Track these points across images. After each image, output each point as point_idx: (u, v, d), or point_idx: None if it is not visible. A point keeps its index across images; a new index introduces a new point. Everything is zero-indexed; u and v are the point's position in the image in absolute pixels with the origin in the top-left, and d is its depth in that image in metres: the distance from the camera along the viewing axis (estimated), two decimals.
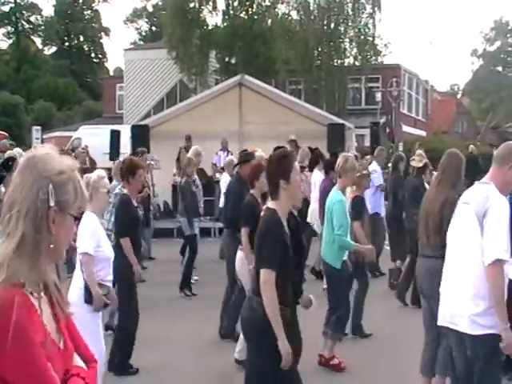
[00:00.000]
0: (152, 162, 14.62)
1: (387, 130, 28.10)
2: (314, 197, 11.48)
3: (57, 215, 2.11)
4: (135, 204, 7.60)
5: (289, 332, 4.22)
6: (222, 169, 16.70)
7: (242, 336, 6.84)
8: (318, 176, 11.90)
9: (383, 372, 7.03)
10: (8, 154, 12.74)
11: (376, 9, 35.21)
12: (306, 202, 12.16)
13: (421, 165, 10.45)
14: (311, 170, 12.55)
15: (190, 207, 11.02)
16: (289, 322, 4.28)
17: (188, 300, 10.47)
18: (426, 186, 14.81)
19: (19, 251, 2.05)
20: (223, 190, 13.66)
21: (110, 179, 8.55)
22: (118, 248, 6.67)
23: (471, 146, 23.36)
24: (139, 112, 38.88)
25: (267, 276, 4.23)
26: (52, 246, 2.12)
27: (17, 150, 12.90)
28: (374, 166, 12.14)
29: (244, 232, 7.10)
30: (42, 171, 2.11)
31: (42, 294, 2.13)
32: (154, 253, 13.85)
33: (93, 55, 69.05)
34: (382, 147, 14.45)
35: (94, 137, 23.24)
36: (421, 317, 5.92)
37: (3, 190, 7.37)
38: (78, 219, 2.23)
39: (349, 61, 35.93)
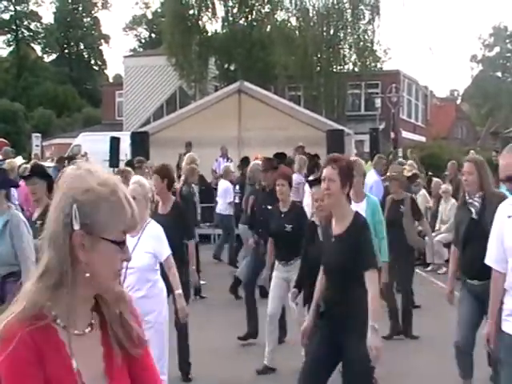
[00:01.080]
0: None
1: (392, 136, 28.04)
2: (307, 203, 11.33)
3: (85, 239, 1.83)
4: None
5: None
6: (221, 175, 16.75)
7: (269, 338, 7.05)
8: None
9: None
10: (8, 162, 12.77)
11: (375, 15, 35.26)
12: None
13: (409, 174, 10.46)
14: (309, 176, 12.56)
15: (192, 216, 10.98)
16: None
17: (195, 304, 10.45)
18: (425, 193, 14.83)
19: (43, 281, 1.83)
20: (220, 196, 13.73)
21: None
22: None
23: (472, 151, 23.35)
24: (139, 119, 38.91)
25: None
26: (87, 275, 1.85)
27: (18, 159, 12.94)
28: (373, 177, 11.70)
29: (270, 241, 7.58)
30: (66, 190, 1.86)
31: (88, 329, 1.92)
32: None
33: (92, 62, 69.16)
34: (380, 155, 14.33)
35: (93, 144, 23.26)
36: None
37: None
38: (119, 244, 1.89)
39: (348, 67, 35.98)
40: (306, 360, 4.99)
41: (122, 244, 1.90)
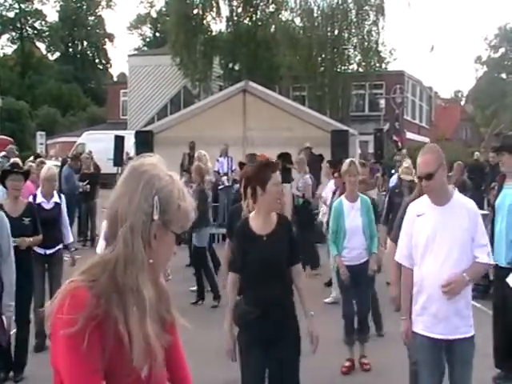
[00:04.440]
0: None
1: (394, 138, 28.00)
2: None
3: (159, 230, 2.02)
4: None
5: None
6: (226, 174, 16.75)
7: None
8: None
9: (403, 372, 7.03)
10: (13, 160, 12.81)
11: (380, 16, 35.23)
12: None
13: (410, 178, 10.45)
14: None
15: (201, 217, 10.92)
16: (250, 322, 4.61)
17: (201, 308, 10.45)
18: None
19: (123, 263, 1.97)
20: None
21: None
22: None
23: (477, 153, 23.31)
24: (143, 118, 38.98)
25: (229, 276, 4.77)
26: (151, 261, 2.02)
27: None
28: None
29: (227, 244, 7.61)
30: (149, 182, 2.02)
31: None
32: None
33: (97, 61, 69.25)
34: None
35: (98, 142, 23.35)
36: None
37: (5, 196, 7.35)
38: (179, 237, 2.10)
39: (352, 67, 36.04)
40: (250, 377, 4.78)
41: (180, 238, 2.12)
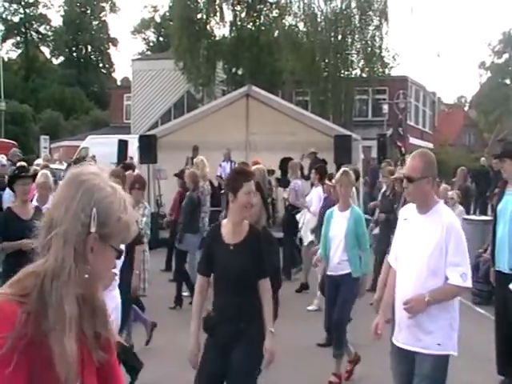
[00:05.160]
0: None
1: (398, 143, 27.97)
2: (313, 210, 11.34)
3: (96, 243, 1.90)
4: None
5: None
6: None
7: None
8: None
9: None
10: (19, 164, 12.82)
11: (383, 21, 35.20)
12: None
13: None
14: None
15: (186, 223, 11.07)
16: (212, 326, 4.69)
17: (180, 311, 10.41)
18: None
19: (51, 274, 1.85)
20: None
21: None
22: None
23: (483, 158, 23.26)
24: (146, 122, 39.01)
25: (197, 279, 4.88)
26: (87, 276, 1.90)
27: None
28: None
29: None
30: (88, 191, 1.91)
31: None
32: (159, 263, 13.63)
33: (100, 65, 69.34)
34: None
35: (101, 146, 23.31)
36: None
37: (13, 199, 7.37)
38: (118, 253, 1.99)
39: (356, 72, 35.97)
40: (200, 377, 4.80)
41: (119, 253, 2.00)
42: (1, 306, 1.80)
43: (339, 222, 7.22)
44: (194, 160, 12.90)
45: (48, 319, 1.83)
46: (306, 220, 11.52)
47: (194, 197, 11.17)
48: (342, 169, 7.71)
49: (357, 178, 11.52)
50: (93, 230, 1.88)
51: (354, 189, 12.23)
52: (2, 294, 1.84)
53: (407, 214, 4.66)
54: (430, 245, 4.35)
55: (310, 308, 10.40)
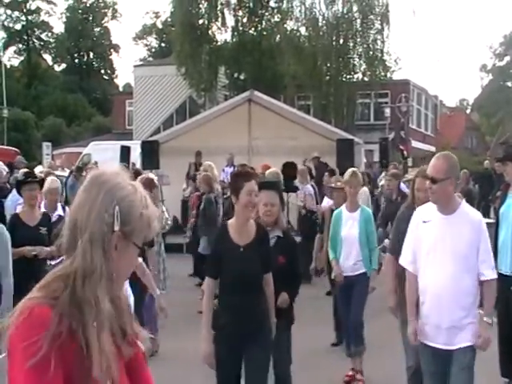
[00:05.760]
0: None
1: (401, 147, 27.97)
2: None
3: (120, 241, 1.95)
4: None
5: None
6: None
7: None
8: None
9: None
10: (21, 172, 12.88)
11: (385, 24, 35.24)
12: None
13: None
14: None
15: (207, 226, 10.91)
16: (222, 326, 4.74)
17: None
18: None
19: (81, 276, 1.89)
20: None
21: None
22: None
23: (486, 161, 23.28)
24: (148, 128, 39.05)
25: (205, 281, 4.91)
26: (114, 274, 1.95)
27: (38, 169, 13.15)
28: None
29: None
30: (110, 191, 1.95)
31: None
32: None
33: (102, 71, 69.46)
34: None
35: (103, 153, 23.31)
36: None
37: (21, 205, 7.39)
38: (141, 249, 2.04)
39: (358, 76, 35.98)
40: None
41: (141, 249, 2.05)
42: (32, 310, 1.83)
43: (350, 223, 7.32)
44: (203, 167, 12.88)
45: (81, 319, 1.87)
46: None
47: (211, 199, 11.18)
48: (351, 169, 7.77)
49: (369, 182, 11.66)
50: (116, 228, 1.93)
51: (367, 190, 12.34)
52: (33, 297, 1.88)
53: (426, 216, 4.68)
54: (462, 244, 4.48)
55: None
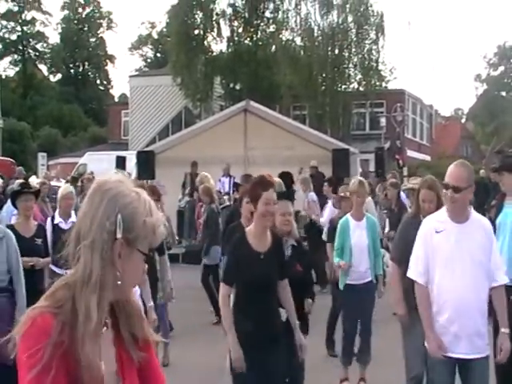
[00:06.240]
0: None
1: (397, 157, 28.00)
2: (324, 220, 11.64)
3: (123, 249, 1.94)
4: None
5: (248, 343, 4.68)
6: (228, 194, 16.76)
7: None
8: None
9: None
10: (17, 183, 12.89)
11: (380, 35, 35.42)
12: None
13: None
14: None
15: (212, 236, 10.92)
16: (248, 332, 4.70)
17: (205, 327, 10.41)
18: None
19: (80, 284, 1.91)
20: None
21: None
22: None
23: (482, 170, 23.32)
24: (144, 138, 39.06)
25: (221, 289, 4.87)
26: (119, 282, 1.95)
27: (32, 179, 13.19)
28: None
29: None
30: (112, 199, 1.95)
31: (104, 329, 1.98)
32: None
33: (98, 82, 69.49)
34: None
35: (99, 163, 23.33)
36: None
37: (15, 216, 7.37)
38: (146, 256, 2.02)
39: (353, 86, 36.12)
40: None
41: (147, 256, 2.03)
42: (35, 319, 1.85)
43: (358, 232, 7.39)
44: (199, 178, 12.86)
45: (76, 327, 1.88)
46: None
47: (213, 209, 11.19)
48: (357, 179, 7.82)
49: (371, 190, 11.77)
50: (119, 236, 1.92)
51: (371, 200, 12.34)
52: (37, 307, 1.90)
53: (438, 225, 4.65)
54: (479, 251, 4.52)
55: None
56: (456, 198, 4.52)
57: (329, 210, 11.53)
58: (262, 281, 4.74)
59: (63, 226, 7.92)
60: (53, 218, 8.04)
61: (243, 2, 37.23)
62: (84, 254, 1.92)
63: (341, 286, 7.48)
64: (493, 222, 7.16)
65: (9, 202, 9.47)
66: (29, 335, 1.84)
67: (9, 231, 6.08)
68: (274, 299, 4.87)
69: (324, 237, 11.74)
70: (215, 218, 11.10)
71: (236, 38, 37.44)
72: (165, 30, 58.81)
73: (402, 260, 5.51)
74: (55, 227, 7.76)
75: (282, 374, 4.97)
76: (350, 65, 36.17)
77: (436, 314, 4.61)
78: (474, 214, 4.67)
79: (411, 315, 5.50)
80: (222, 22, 37.52)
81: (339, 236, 7.47)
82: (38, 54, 65.50)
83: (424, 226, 4.78)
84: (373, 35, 35.49)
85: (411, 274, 4.79)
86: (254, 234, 4.82)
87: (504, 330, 4.59)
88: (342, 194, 8.68)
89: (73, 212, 8.13)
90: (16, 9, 61.90)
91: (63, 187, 8.37)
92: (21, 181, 9.85)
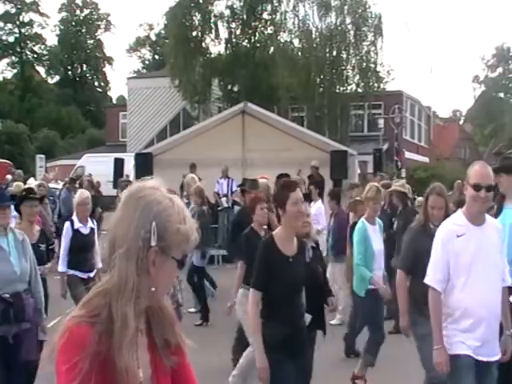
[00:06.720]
0: None
1: (395, 158, 28.04)
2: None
3: (157, 257, 1.95)
4: None
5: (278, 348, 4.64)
6: (226, 195, 16.76)
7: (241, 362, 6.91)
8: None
9: None
10: (15, 185, 12.89)
11: (378, 36, 35.38)
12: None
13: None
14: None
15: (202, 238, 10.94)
16: (280, 338, 4.66)
17: (200, 328, 10.40)
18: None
19: (116, 292, 1.91)
20: None
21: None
22: None
23: None
24: (142, 140, 39.05)
25: (251, 295, 4.81)
26: (153, 289, 1.96)
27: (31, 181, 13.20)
28: None
29: (240, 265, 7.21)
30: (146, 207, 1.95)
31: (139, 335, 1.98)
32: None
33: (96, 84, 69.50)
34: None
35: (97, 165, 23.36)
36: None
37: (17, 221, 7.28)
38: (180, 263, 2.02)
39: (351, 88, 36.08)
40: None
41: (180, 263, 2.03)
42: (71, 331, 1.86)
43: (377, 237, 7.55)
44: (185, 179, 12.89)
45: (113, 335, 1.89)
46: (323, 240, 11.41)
47: (204, 211, 11.18)
48: (374, 185, 7.86)
49: None
50: (153, 243, 1.92)
51: None
52: (73, 317, 1.90)
53: (458, 229, 4.53)
54: (496, 252, 4.52)
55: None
56: (490, 198, 4.51)
57: (323, 217, 11.59)
58: (292, 284, 4.76)
59: (84, 230, 7.99)
60: (72, 223, 8.02)
61: (241, 3, 37.20)
62: (119, 262, 1.92)
63: (361, 293, 7.43)
64: None
65: None
66: (65, 348, 1.84)
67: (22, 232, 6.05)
68: (302, 302, 4.94)
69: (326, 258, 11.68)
70: (205, 220, 11.06)
71: (234, 40, 37.43)
72: (163, 31, 58.80)
73: (414, 270, 5.44)
74: (76, 232, 7.82)
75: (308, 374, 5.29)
76: (348, 66, 36.15)
77: (460, 317, 4.50)
78: (487, 216, 4.64)
79: (426, 324, 4.99)
80: (219, 23, 37.53)
81: (361, 241, 7.41)
82: (35, 56, 65.54)
83: (442, 231, 4.64)
84: (371, 37, 35.47)
85: (429, 280, 4.61)
86: (284, 237, 4.79)
87: (508, 332, 4.58)
88: (358, 198, 8.70)
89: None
90: (14, 11, 61.98)
91: (79, 193, 8.31)
92: (20, 183, 9.84)
